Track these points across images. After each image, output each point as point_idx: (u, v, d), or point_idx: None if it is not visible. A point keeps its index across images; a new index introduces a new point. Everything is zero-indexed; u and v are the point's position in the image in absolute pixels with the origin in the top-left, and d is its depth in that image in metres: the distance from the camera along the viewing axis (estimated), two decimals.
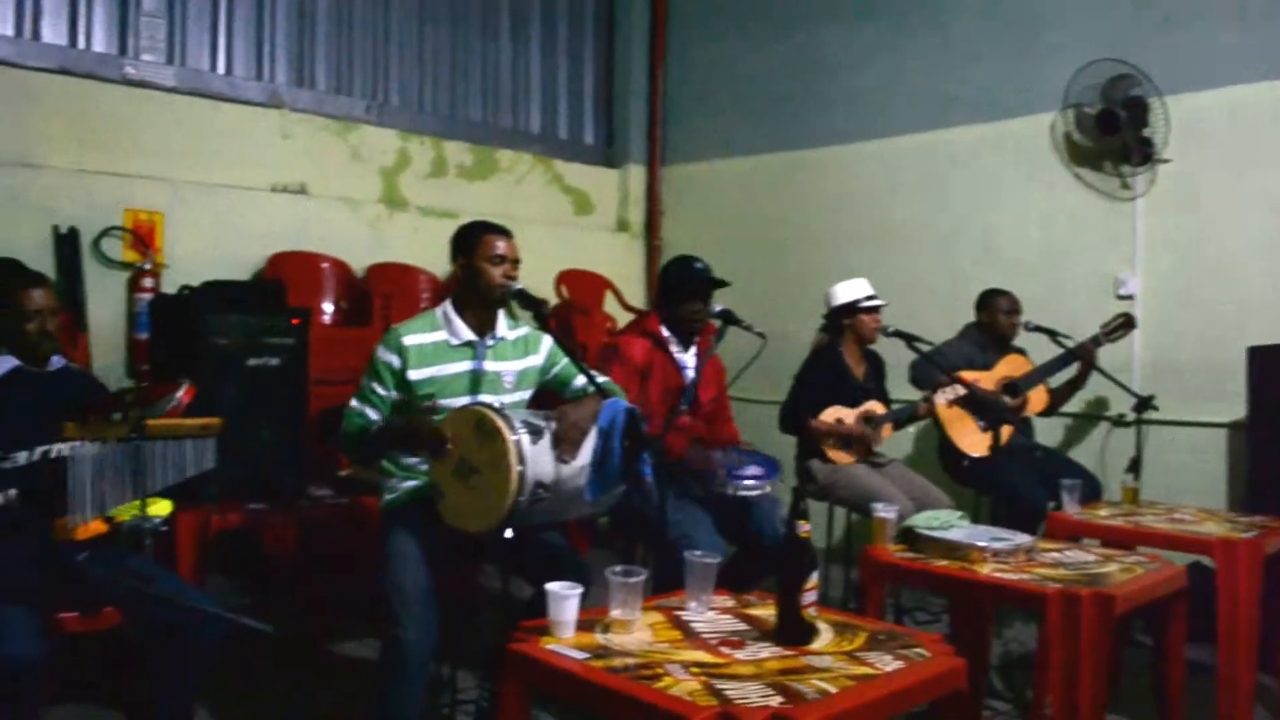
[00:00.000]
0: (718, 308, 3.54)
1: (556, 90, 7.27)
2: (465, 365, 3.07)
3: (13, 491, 2.83)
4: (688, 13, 7.35)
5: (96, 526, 2.63)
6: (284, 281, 5.24)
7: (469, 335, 3.08)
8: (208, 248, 5.34)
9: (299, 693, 3.58)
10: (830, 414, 4.27)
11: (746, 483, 3.33)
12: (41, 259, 4.77)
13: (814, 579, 2.15)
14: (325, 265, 5.59)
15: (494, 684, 3.10)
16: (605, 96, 7.53)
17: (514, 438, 2.64)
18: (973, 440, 4.65)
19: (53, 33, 5.12)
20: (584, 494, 2.76)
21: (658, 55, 7.43)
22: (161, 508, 2.78)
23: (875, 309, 4.41)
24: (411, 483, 3.04)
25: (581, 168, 7.25)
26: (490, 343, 3.12)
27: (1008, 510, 4.63)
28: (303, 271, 5.45)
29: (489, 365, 3.10)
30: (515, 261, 3.10)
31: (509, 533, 2.67)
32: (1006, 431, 4.37)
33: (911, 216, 6.12)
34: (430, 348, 3.05)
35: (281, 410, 3.87)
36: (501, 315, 3.17)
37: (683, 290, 3.69)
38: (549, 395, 3.29)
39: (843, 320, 4.42)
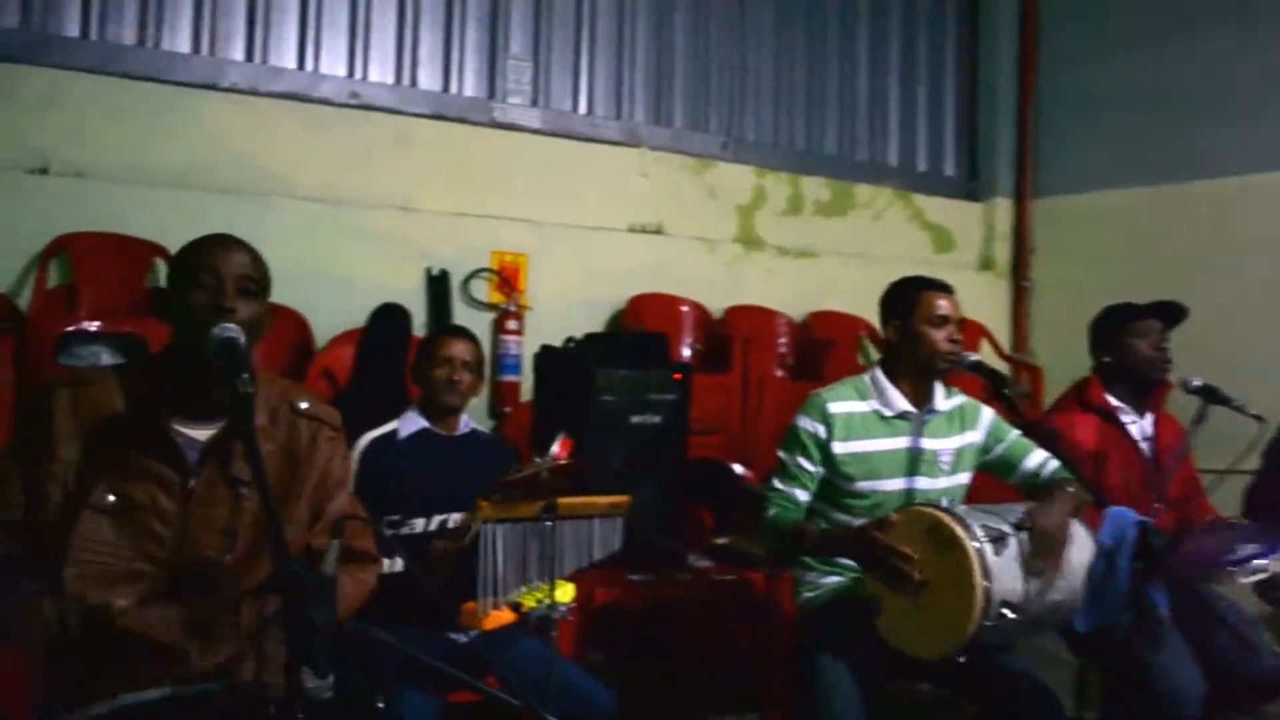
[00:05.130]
0: (1196, 382, 2.91)
1: (915, 119, 6.74)
2: (901, 441, 2.64)
3: (399, 561, 2.67)
4: (1063, 27, 6.60)
5: (505, 616, 2.39)
6: (644, 323, 5.08)
7: (905, 406, 2.65)
8: (568, 289, 5.23)
9: None
10: None
11: (1253, 564, 2.62)
12: (414, 300, 4.82)
13: None
14: (684, 308, 5.36)
15: None
16: (968, 124, 6.91)
17: (975, 546, 2.18)
18: None
19: (428, 79, 5.18)
20: (1073, 621, 2.24)
21: (1028, 76, 6.74)
22: (567, 592, 2.52)
23: None
24: (834, 579, 2.63)
25: (942, 202, 6.68)
26: (927, 416, 2.67)
27: None
28: (662, 314, 5.25)
29: (926, 443, 2.65)
30: (960, 323, 2.64)
31: (962, 658, 2.22)
32: None
33: None
34: (859, 418, 2.65)
35: (661, 471, 3.59)
36: (938, 384, 2.71)
37: (1130, 322, 3.09)
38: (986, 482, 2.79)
39: None
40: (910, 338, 2.64)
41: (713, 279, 5.69)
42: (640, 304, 5.29)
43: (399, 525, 2.71)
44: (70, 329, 3.86)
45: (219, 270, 1.84)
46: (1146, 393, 3.14)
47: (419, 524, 2.77)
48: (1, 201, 4.10)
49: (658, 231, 5.60)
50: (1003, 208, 6.77)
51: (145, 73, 4.43)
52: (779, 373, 5.49)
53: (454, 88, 5.23)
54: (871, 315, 6.09)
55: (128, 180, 4.31)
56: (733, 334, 5.34)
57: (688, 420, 3.70)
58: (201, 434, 1.87)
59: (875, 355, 6.18)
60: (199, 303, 1.81)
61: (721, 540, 3.79)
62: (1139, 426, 3.11)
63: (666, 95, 5.84)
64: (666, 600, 3.34)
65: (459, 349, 2.90)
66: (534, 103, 5.43)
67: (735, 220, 5.90)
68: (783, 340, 5.62)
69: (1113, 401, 3.10)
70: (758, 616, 3.39)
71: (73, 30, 4.34)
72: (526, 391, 4.77)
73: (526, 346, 4.91)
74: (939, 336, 2.60)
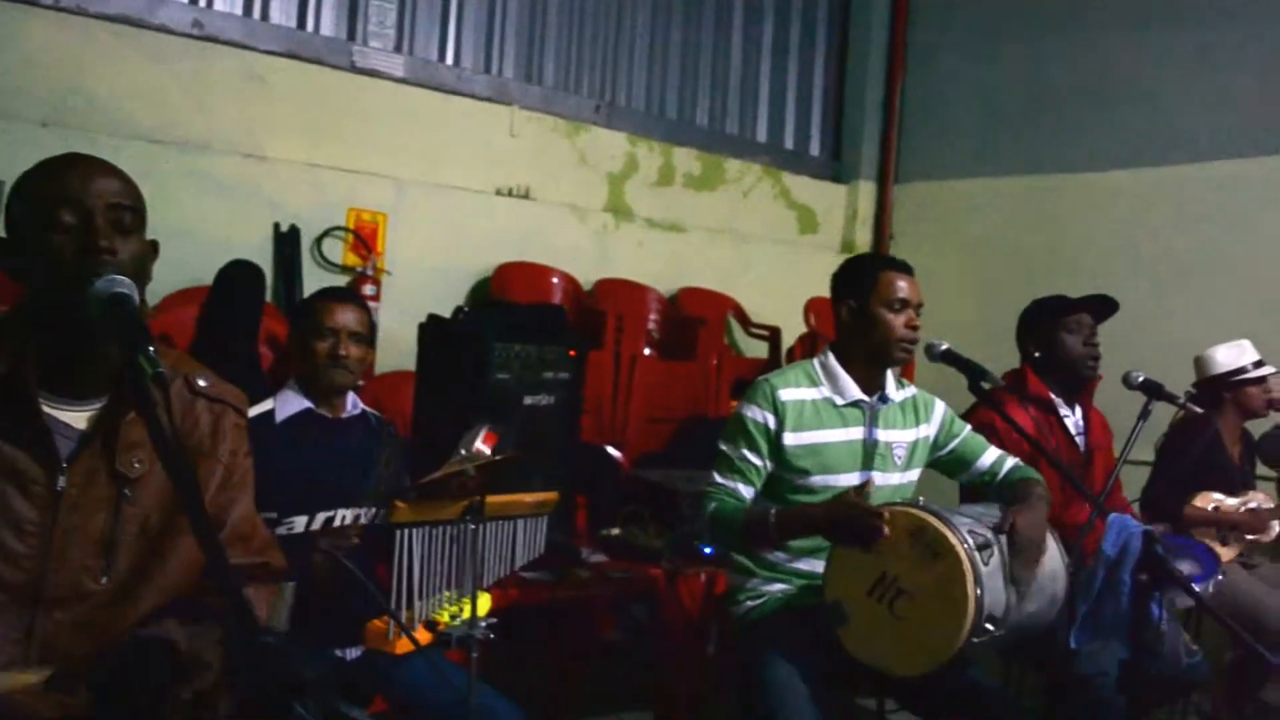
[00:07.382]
0: (1140, 377, 2.80)
1: (784, 96, 6.58)
2: (854, 432, 2.43)
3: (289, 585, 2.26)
4: (935, 15, 6.56)
5: (421, 637, 2.02)
6: (511, 294, 4.72)
7: (858, 394, 2.43)
8: (430, 253, 4.85)
9: None
10: (1203, 502, 3.50)
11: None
12: (260, 257, 4.31)
13: None
14: (555, 280, 5.04)
15: None
16: (835, 104, 6.81)
17: (967, 551, 1.98)
18: None
19: (281, 13, 4.67)
20: (1070, 640, 2.07)
21: (896, 61, 6.67)
22: (484, 604, 2.18)
23: (1263, 379, 3.62)
24: (780, 586, 2.39)
25: (808, 181, 6.56)
26: (881, 405, 2.46)
27: None
28: (532, 285, 4.92)
29: (880, 434, 2.44)
30: (919, 307, 2.44)
31: None
32: None
33: (1205, 254, 5.25)
34: (811, 407, 2.41)
35: (553, 457, 3.26)
36: (890, 372, 2.50)
37: (1062, 316, 3.00)
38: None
39: (1222, 393, 3.64)
40: (864, 321, 2.42)
41: (582, 249, 5.39)
42: (508, 273, 4.94)
43: (276, 525, 2.31)
44: None
45: (83, 202, 1.40)
46: (1076, 387, 3.05)
47: (299, 522, 2.37)
48: None
49: (526, 196, 5.25)
50: (865, 191, 6.70)
51: None
52: (648, 351, 5.25)
53: (310, 25, 4.75)
54: (738, 294, 6.04)
55: None
56: (605, 309, 5.05)
57: (581, 402, 3.39)
58: (75, 417, 1.44)
59: (741, 335, 6.04)
60: (61, 247, 1.38)
61: (614, 532, 3.51)
62: (1072, 420, 3.02)
63: (539, 51, 5.48)
64: (566, 599, 3.04)
65: (346, 317, 2.49)
66: (397, 49, 4.98)
67: (606, 188, 5.60)
68: (653, 317, 5.38)
69: (1051, 394, 3.00)
70: (659, 612, 3.13)
71: None
72: (382, 364, 4.37)
73: (383, 315, 4.52)
74: (897, 322, 2.39)
